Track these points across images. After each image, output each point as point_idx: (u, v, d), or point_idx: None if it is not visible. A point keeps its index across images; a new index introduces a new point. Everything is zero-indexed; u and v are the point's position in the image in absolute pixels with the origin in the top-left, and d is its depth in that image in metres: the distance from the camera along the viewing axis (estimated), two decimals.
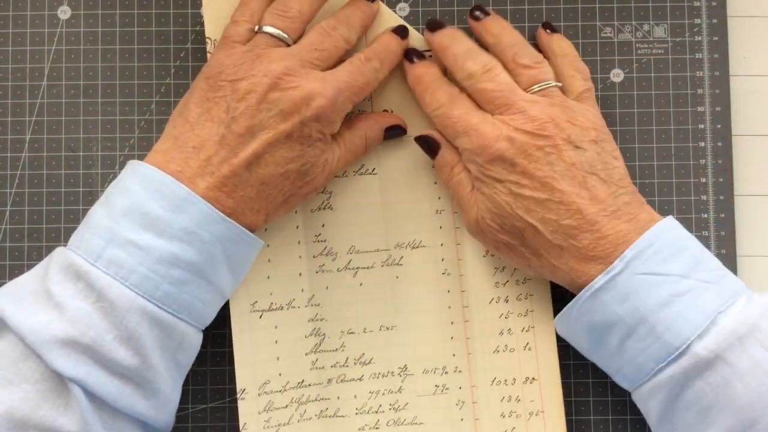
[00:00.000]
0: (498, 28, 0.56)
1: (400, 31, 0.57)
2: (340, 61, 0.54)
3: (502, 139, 0.52)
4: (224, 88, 0.51)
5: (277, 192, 0.52)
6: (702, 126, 0.59)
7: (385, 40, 0.56)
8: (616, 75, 0.60)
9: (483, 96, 0.54)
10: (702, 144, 0.59)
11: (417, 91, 0.56)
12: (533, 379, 0.56)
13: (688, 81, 0.60)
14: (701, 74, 0.60)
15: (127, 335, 0.47)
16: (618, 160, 0.53)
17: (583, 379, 0.58)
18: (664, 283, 0.49)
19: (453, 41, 0.56)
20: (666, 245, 0.50)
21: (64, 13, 0.60)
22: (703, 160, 0.59)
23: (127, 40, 0.60)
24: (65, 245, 0.50)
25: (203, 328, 0.52)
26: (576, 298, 0.51)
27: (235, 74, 0.51)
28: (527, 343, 0.57)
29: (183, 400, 0.57)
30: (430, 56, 0.57)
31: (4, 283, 0.58)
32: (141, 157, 0.58)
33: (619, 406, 0.58)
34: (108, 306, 0.47)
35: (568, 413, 0.58)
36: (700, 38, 0.60)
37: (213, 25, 0.56)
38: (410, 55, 0.57)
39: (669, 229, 0.51)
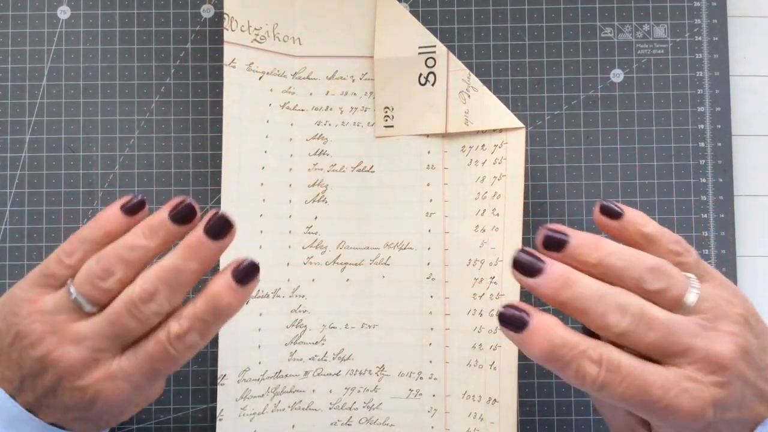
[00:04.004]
0: (592, 249, 0.44)
1: (242, 272, 0.44)
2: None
3: (707, 411, 0.42)
4: (15, 347, 0.44)
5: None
6: (702, 126, 0.59)
7: (214, 293, 0.43)
8: (616, 75, 0.60)
9: (647, 351, 0.43)
10: (702, 144, 0.59)
11: (557, 367, 0.43)
12: (495, 400, 0.54)
13: (688, 81, 0.60)
14: (701, 74, 0.60)
15: None
16: (759, 322, 0.45)
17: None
18: None
19: (571, 291, 0.43)
20: None
21: (64, 13, 0.60)
22: (703, 160, 0.59)
23: (127, 40, 0.60)
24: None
25: None
26: None
27: (26, 339, 0.44)
28: (493, 362, 0.55)
29: (183, 400, 0.57)
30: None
31: (3, 284, 0.58)
32: (141, 158, 0.59)
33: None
34: None
35: (567, 413, 0.58)
36: (700, 38, 0.60)
37: (232, 2, 0.56)
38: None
39: None
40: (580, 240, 0.44)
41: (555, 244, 0.44)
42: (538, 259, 0.43)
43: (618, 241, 0.46)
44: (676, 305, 0.43)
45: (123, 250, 0.44)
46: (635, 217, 0.46)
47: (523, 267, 0.43)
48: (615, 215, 0.46)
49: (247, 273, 0.44)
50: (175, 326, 0.43)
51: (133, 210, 0.45)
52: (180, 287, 0.44)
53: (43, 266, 0.46)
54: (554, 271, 0.43)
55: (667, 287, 0.43)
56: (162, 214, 0.44)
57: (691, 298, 0.43)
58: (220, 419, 0.54)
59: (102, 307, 0.44)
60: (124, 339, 0.44)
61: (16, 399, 0.45)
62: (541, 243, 0.44)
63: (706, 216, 0.59)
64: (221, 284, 0.43)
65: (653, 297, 0.43)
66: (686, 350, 0.43)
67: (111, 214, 0.45)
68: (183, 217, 0.44)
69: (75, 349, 0.43)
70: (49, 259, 0.46)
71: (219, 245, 0.44)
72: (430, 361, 0.57)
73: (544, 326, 0.43)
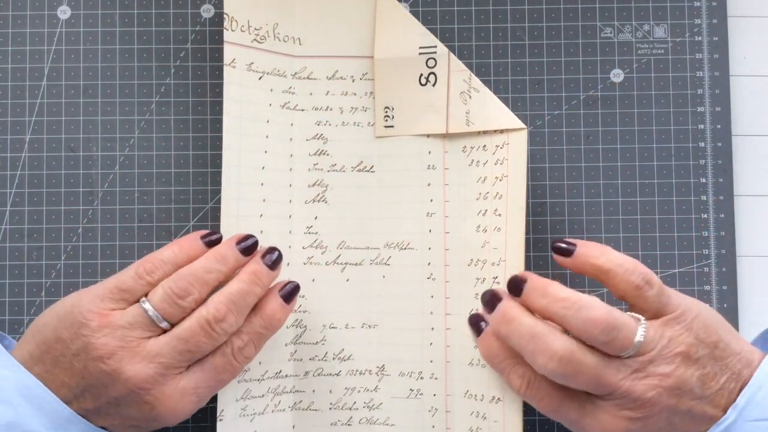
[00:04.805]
0: (538, 296, 0.49)
1: (288, 292, 0.52)
2: None
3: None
4: (80, 358, 0.48)
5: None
6: (702, 126, 0.59)
7: (269, 311, 0.51)
8: (616, 75, 0.60)
9: (577, 388, 0.48)
10: (702, 144, 0.59)
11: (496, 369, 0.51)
12: (498, 399, 0.54)
13: (688, 81, 0.60)
14: (701, 74, 0.60)
15: None
16: (717, 348, 0.48)
17: None
18: None
19: (509, 327, 0.48)
20: None
21: (64, 13, 0.60)
22: (703, 160, 0.59)
23: (127, 40, 0.60)
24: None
25: None
26: None
27: (95, 352, 0.48)
28: None
29: None
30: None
31: (3, 284, 0.58)
32: (141, 158, 0.59)
33: None
34: None
35: None
36: (700, 38, 0.60)
37: (232, 2, 0.56)
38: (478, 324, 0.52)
39: None
40: (531, 285, 0.49)
41: (514, 289, 0.50)
42: (495, 297, 0.50)
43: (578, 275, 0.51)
44: (621, 351, 0.47)
45: (201, 272, 0.49)
46: (588, 251, 0.49)
47: (484, 303, 0.51)
48: (565, 253, 0.50)
49: (292, 293, 0.52)
50: (237, 341, 0.50)
51: (213, 243, 0.51)
52: (245, 308, 0.50)
53: (117, 281, 0.49)
54: (499, 307, 0.49)
55: (611, 339, 0.46)
56: (231, 245, 0.51)
57: (635, 346, 0.47)
58: (221, 420, 0.54)
59: (172, 325, 0.49)
60: (193, 356, 0.49)
61: (72, 404, 0.49)
62: (507, 286, 0.50)
63: (706, 216, 0.59)
64: (274, 304, 0.51)
65: (599, 346, 0.47)
66: (612, 391, 0.47)
67: (193, 241, 0.51)
68: (249, 249, 0.51)
69: (147, 365, 0.48)
70: (125, 275, 0.50)
71: (275, 273, 0.52)
72: (431, 361, 0.57)
73: (489, 337, 0.50)
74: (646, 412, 0.47)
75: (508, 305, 0.49)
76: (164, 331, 0.49)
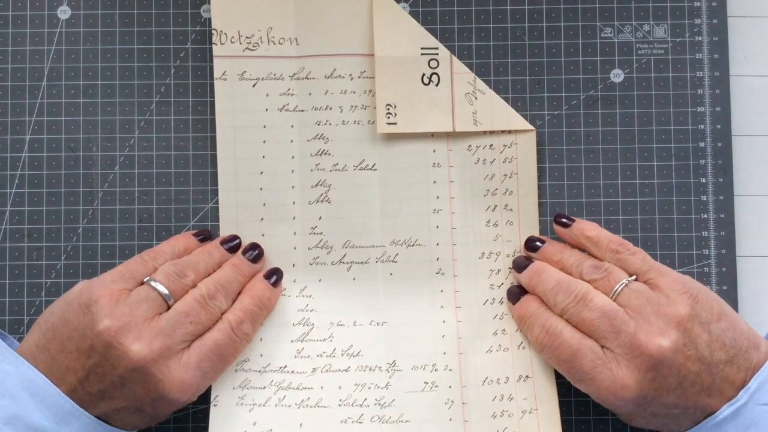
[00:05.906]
0: (557, 252, 0.56)
1: (273, 276, 0.57)
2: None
3: (627, 390, 0.51)
4: (86, 338, 0.50)
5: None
6: (702, 126, 0.59)
7: (258, 291, 0.56)
8: (616, 75, 0.60)
9: (585, 328, 0.53)
10: (702, 144, 0.59)
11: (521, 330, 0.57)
12: (527, 376, 0.56)
13: (688, 81, 0.60)
14: (701, 74, 0.60)
15: None
16: (722, 321, 0.51)
17: None
18: None
19: (540, 278, 0.55)
20: None
21: (64, 13, 0.60)
22: (703, 160, 0.59)
23: (127, 40, 0.60)
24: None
25: None
26: (698, 426, 0.51)
27: (101, 327, 0.50)
28: (521, 342, 0.57)
29: None
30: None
31: (3, 284, 0.58)
32: (141, 158, 0.59)
33: None
34: None
35: (567, 413, 0.58)
36: (700, 38, 0.60)
37: (220, 16, 0.56)
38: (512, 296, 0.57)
39: None
40: (549, 245, 0.57)
41: (532, 248, 0.57)
42: (527, 259, 0.57)
43: (570, 244, 0.57)
44: (608, 293, 0.53)
45: (194, 262, 0.55)
46: (582, 225, 0.56)
47: (516, 265, 0.57)
48: (565, 225, 0.57)
49: (278, 276, 0.57)
50: (233, 317, 0.54)
51: (204, 240, 0.58)
52: (231, 293, 0.55)
53: (124, 266, 0.54)
54: (532, 265, 0.56)
55: (599, 278, 0.53)
56: (217, 244, 0.57)
57: (617, 289, 0.52)
58: (215, 405, 0.54)
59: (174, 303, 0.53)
60: (195, 329, 0.52)
61: (77, 390, 0.50)
62: (523, 245, 0.58)
63: (706, 216, 0.59)
64: (262, 285, 0.56)
65: (592, 285, 0.53)
66: (617, 332, 0.51)
67: (187, 238, 0.57)
68: (234, 248, 0.57)
69: (152, 340, 0.50)
70: (131, 261, 0.54)
71: (257, 266, 0.57)
72: (444, 353, 0.57)
73: (526, 301, 0.56)
74: (655, 362, 0.50)
75: (539, 262, 0.56)
76: (167, 308, 0.52)
